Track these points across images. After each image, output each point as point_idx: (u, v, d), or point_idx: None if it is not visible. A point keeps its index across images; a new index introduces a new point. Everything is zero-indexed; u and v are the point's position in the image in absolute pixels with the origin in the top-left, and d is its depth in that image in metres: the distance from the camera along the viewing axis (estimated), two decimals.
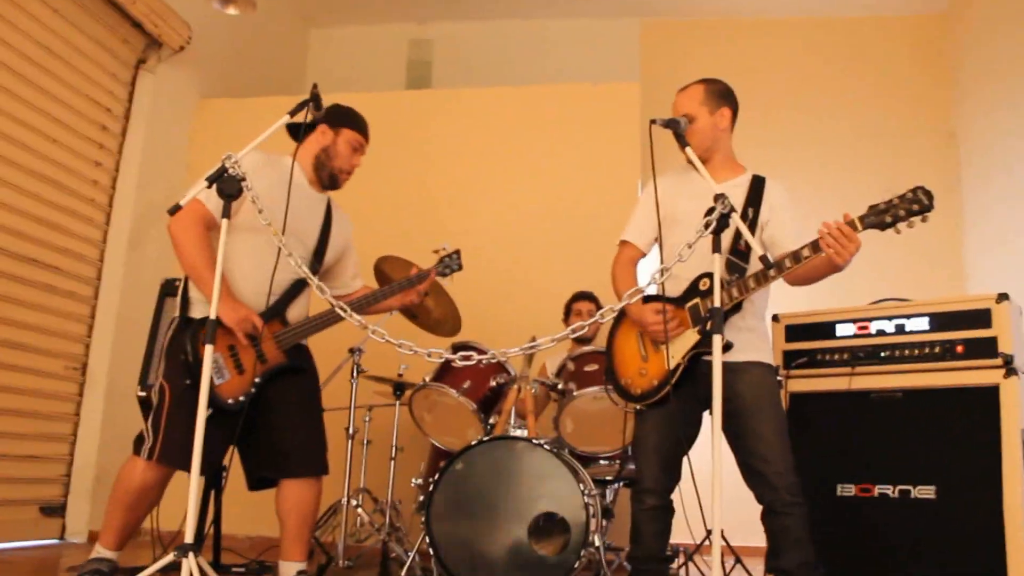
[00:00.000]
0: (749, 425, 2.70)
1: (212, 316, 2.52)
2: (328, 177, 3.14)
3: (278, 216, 2.79)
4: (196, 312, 2.88)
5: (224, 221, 2.60)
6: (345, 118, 3.17)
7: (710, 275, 2.63)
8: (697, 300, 2.78)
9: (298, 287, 3.01)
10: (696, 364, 2.75)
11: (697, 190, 2.71)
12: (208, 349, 2.49)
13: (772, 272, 2.57)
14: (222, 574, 3.50)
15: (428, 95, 6.48)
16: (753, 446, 2.70)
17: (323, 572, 3.87)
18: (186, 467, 2.49)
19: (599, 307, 4.42)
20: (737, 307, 2.72)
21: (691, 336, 2.75)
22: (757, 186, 2.87)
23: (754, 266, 2.72)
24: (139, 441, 2.84)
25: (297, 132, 3.12)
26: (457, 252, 3.50)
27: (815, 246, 2.53)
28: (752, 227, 2.74)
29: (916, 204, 2.42)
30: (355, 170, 3.21)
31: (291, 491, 2.92)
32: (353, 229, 3.33)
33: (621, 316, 2.99)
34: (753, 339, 2.80)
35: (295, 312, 3.02)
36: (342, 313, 2.72)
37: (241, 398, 2.83)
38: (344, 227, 3.25)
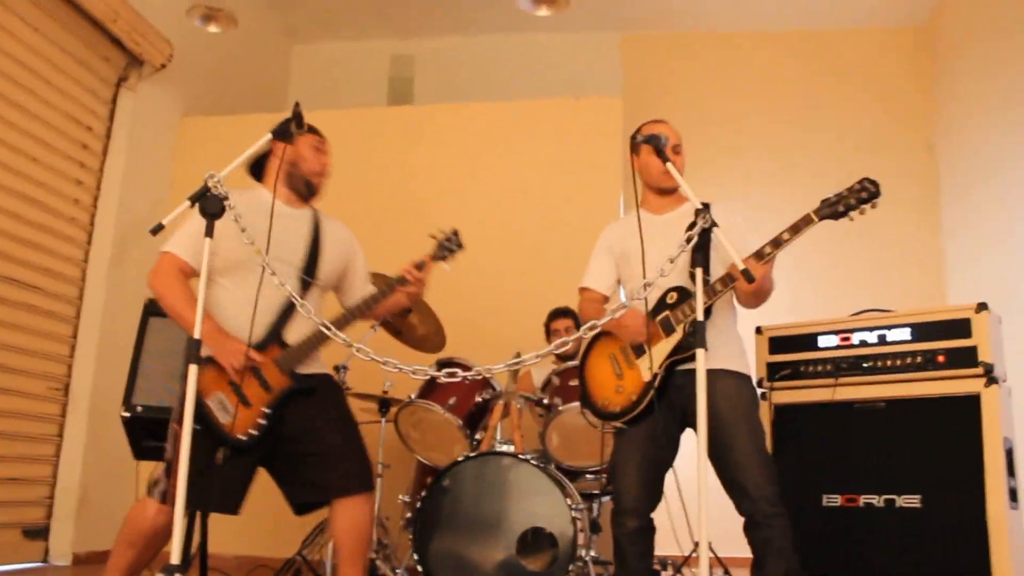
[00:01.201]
0: (726, 437, 2.71)
1: (196, 335, 2.49)
2: (304, 185, 3.03)
3: (260, 244, 2.71)
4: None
5: (207, 241, 2.57)
6: (291, 128, 3.09)
7: (676, 289, 2.80)
8: (667, 313, 2.83)
9: (290, 308, 2.90)
10: (671, 377, 2.80)
11: (647, 229, 2.85)
12: (192, 369, 2.45)
13: (720, 287, 2.70)
14: None
15: (410, 111, 6.50)
16: (732, 458, 2.72)
17: None
18: (202, 507, 2.47)
19: (577, 321, 4.44)
20: (706, 314, 2.76)
21: (664, 347, 2.80)
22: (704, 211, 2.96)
23: (715, 275, 2.77)
24: (154, 484, 2.81)
25: (257, 172, 3.09)
26: (455, 232, 3.32)
27: (775, 243, 2.64)
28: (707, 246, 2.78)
29: (864, 192, 2.59)
30: (328, 171, 3.09)
31: (343, 512, 2.82)
32: (351, 235, 3.20)
33: (591, 344, 3.05)
34: (726, 347, 2.82)
35: (295, 333, 2.91)
36: (326, 331, 2.69)
37: (253, 432, 2.78)
38: (339, 237, 3.12)
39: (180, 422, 2.77)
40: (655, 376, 2.79)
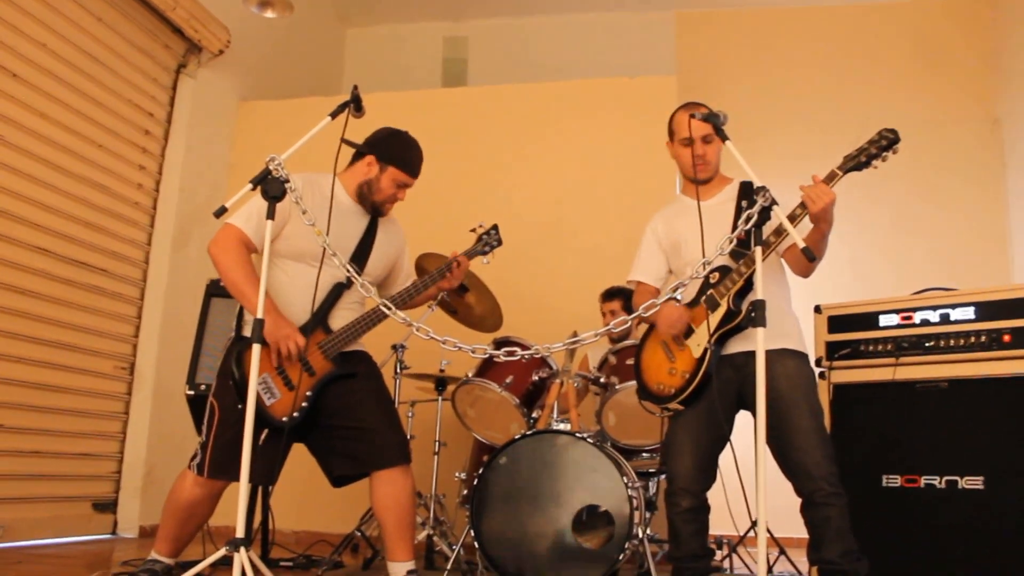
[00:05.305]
0: (786, 416, 2.70)
1: (259, 315, 2.55)
2: (371, 207, 3.09)
3: (321, 228, 2.78)
4: (247, 331, 2.84)
5: (268, 223, 2.61)
6: (394, 156, 3.09)
7: (718, 269, 2.80)
8: (711, 291, 2.83)
9: (336, 293, 2.98)
10: (730, 357, 2.80)
11: (692, 214, 2.87)
12: (256, 348, 2.51)
13: (773, 238, 2.70)
14: (271, 568, 3.56)
15: (464, 93, 6.51)
16: (791, 437, 2.70)
17: (368, 565, 3.93)
18: (235, 477, 2.54)
19: (625, 303, 4.43)
20: (749, 285, 2.75)
21: (711, 322, 2.80)
22: (747, 188, 2.94)
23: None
24: (192, 456, 2.91)
25: (353, 146, 3.12)
26: (495, 227, 3.40)
27: (802, 206, 2.63)
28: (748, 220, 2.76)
29: (883, 141, 2.66)
30: (394, 202, 3.17)
31: (382, 484, 2.86)
32: (403, 237, 3.29)
33: (644, 337, 3.07)
34: (782, 326, 2.79)
35: (339, 319, 2.98)
36: (387, 311, 2.74)
37: (296, 415, 2.83)
38: (392, 238, 3.19)
39: (217, 397, 2.87)
40: (706, 351, 2.79)
